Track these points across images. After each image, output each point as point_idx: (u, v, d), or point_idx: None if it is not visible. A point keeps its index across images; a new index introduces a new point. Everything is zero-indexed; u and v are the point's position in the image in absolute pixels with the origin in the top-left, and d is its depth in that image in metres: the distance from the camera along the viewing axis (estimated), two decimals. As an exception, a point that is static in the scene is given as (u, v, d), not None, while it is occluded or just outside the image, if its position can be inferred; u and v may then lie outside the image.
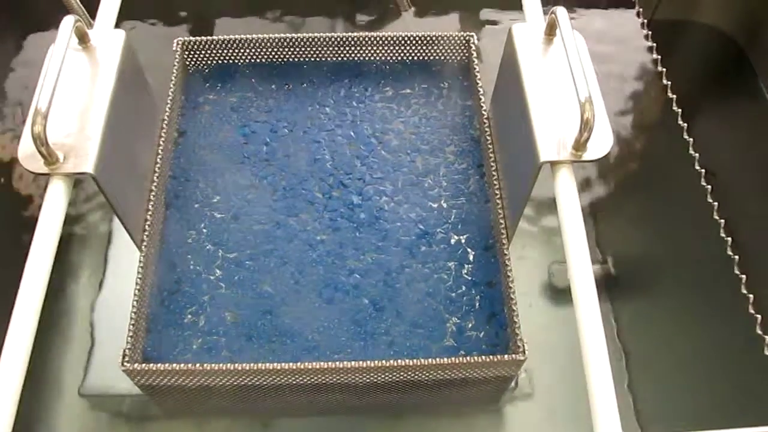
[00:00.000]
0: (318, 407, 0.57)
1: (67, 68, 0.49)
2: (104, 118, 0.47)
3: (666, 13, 0.84)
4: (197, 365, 0.48)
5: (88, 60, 0.50)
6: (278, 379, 0.50)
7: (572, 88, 0.49)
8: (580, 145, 0.46)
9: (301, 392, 0.53)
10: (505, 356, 0.49)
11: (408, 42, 0.66)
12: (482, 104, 0.62)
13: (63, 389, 0.67)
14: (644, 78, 0.77)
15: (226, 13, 0.78)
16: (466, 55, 0.66)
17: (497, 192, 0.57)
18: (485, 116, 0.61)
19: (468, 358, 0.49)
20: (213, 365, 0.48)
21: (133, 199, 0.53)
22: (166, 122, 0.60)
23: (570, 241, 0.44)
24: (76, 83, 0.49)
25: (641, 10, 0.80)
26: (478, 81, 0.63)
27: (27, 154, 0.45)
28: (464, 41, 0.66)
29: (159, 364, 0.48)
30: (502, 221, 0.55)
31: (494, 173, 0.58)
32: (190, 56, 0.65)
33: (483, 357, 0.49)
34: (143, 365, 0.48)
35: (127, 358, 0.48)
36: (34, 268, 0.42)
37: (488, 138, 0.60)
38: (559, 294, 0.75)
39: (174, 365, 0.48)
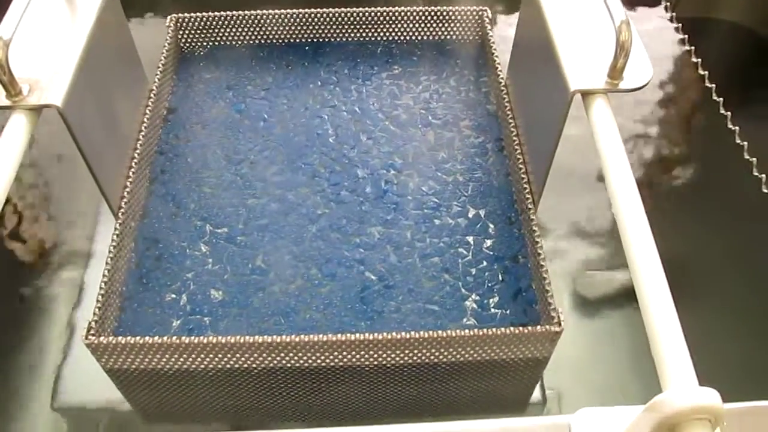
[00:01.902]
0: (317, 408, 0.48)
1: (43, 8, 0.45)
2: (78, 56, 0.42)
3: (685, 12, 0.80)
4: (173, 338, 0.40)
5: (66, 2, 0.46)
6: (269, 359, 0.42)
7: (600, 22, 0.44)
8: (616, 73, 0.40)
9: (298, 384, 0.45)
10: (538, 327, 0.41)
11: (417, 18, 0.61)
12: (500, 78, 0.57)
13: (33, 402, 0.59)
14: (678, 72, 0.72)
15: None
16: (480, 30, 0.62)
17: (520, 166, 0.50)
18: (503, 88, 0.56)
19: (495, 330, 0.41)
20: (190, 338, 0.40)
21: (108, 158, 0.47)
22: (154, 92, 0.55)
23: (613, 179, 0.37)
24: (51, 22, 0.44)
25: (668, 4, 0.76)
26: (494, 52, 0.58)
27: (-13, 88, 0.40)
28: (477, 16, 0.61)
29: (127, 337, 0.40)
30: (528, 194, 0.49)
31: (516, 147, 0.52)
32: (184, 35, 0.61)
33: (513, 329, 0.41)
34: (109, 338, 0.41)
35: (92, 332, 0.41)
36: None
37: (508, 111, 0.54)
38: (590, 306, 0.68)
39: (145, 338, 0.40)
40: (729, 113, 0.61)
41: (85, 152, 0.42)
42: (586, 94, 0.41)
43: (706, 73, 0.65)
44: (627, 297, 0.69)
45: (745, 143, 0.59)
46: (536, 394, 0.55)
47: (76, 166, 0.46)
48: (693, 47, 0.68)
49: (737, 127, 0.60)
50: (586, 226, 0.66)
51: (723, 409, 0.28)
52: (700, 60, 0.67)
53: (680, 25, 0.71)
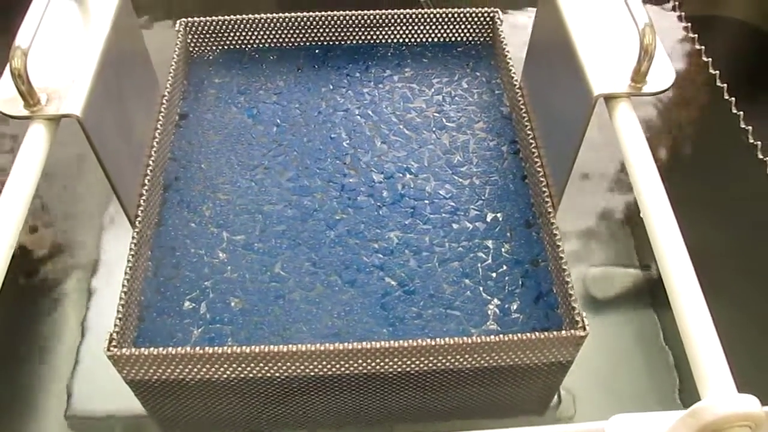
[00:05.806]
0: (340, 416, 0.48)
1: (58, 16, 0.44)
2: (95, 64, 0.42)
3: (691, 10, 0.80)
4: (196, 349, 0.40)
5: (80, 10, 0.45)
6: (292, 368, 0.41)
7: (621, 25, 0.44)
8: (639, 76, 0.40)
9: (321, 391, 0.44)
10: (563, 332, 0.41)
11: (428, 20, 0.61)
12: (513, 80, 0.56)
13: (46, 411, 0.58)
14: (689, 71, 0.72)
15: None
16: (491, 32, 0.62)
17: (538, 169, 0.50)
18: (518, 91, 0.56)
19: (521, 335, 0.41)
20: (213, 348, 0.40)
21: (125, 166, 0.47)
22: (166, 98, 0.54)
23: (641, 184, 0.37)
24: (66, 30, 0.44)
25: (676, 3, 0.76)
26: (507, 54, 0.58)
27: (5, 97, 0.39)
28: (488, 17, 0.61)
29: (150, 348, 0.40)
30: (547, 197, 0.48)
31: (533, 150, 0.51)
32: (194, 39, 0.61)
33: (538, 334, 0.41)
34: (132, 350, 0.40)
35: (114, 343, 0.41)
36: (2, 219, 0.35)
37: (523, 113, 0.54)
38: (598, 305, 0.68)
39: (168, 349, 0.40)
40: (741, 113, 0.61)
41: (104, 161, 0.42)
42: (609, 98, 0.41)
43: (717, 72, 0.65)
44: (638, 297, 0.69)
45: (759, 143, 0.59)
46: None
47: (80, 170, 0.45)
48: (703, 46, 0.68)
49: (750, 127, 0.60)
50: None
51: (764, 415, 0.28)
52: (710, 59, 0.67)
53: (689, 24, 0.71)
